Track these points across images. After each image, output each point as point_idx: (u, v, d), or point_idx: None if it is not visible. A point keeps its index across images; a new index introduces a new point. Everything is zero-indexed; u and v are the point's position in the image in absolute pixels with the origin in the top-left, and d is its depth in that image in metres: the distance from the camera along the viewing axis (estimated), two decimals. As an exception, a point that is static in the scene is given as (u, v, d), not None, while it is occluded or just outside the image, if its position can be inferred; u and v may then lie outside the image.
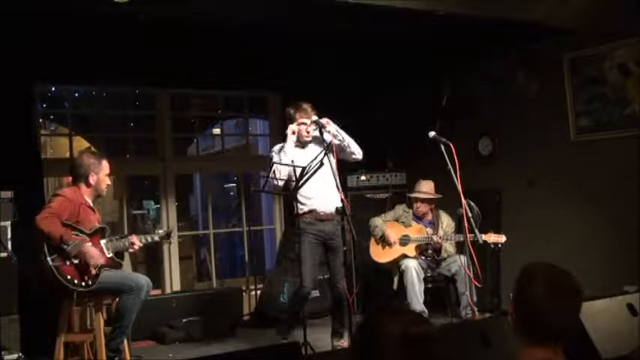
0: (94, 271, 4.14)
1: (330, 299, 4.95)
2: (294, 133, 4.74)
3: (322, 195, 4.66)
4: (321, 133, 4.60)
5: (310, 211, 4.64)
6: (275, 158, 4.69)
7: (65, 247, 4.04)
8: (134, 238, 4.48)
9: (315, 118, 4.67)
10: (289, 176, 4.64)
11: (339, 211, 4.49)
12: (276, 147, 4.85)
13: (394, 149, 6.85)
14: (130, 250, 4.54)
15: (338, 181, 4.57)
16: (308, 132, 4.75)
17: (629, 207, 5.16)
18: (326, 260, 4.83)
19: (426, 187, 5.69)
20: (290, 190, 4.64)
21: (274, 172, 4.56)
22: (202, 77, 6.20)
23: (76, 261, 4.10)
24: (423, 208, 5.70)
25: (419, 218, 5.74)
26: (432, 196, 5.66)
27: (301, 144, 4.79)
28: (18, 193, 4.71)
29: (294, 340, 4.44)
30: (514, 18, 5.22)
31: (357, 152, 4.82)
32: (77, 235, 4.19)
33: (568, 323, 1.92)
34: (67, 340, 4.31)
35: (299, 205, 4.62)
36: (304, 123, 4.73)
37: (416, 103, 6.71)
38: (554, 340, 1.89)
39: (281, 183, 4.65)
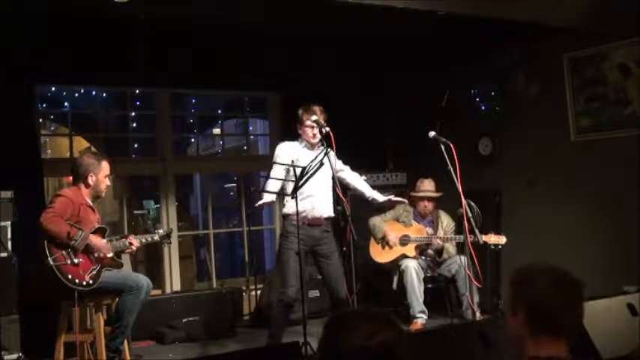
0: (104, 254, 4.20)
1: (330, 307, 4.79)
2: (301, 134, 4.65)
3: (316, 198, 4.56)
4: (321, 134, 4.56)
5: (300, 213, 4.36)
6: (277, 158, 4.63)
7: (73, 242, 4.06)
8: (132, 239, 4.48)
9: (314, 117, 4.58)
10: (285, 176, 4.54)
11: (339, 212, 4.47)
12: (282, 145, 4.75)
13: (394, 149, 6.85)
14: (128, 251, 4.54)
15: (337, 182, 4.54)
16: (314, 135, 4.58)
17: (629, 207, 5.17)
18: (318, 268, 4.72)
19: (430, 185, 5.73)
20: (285, 191, 4.53)
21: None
22: (202, 77, 6.19)
23: (77, 260, 4.09)
24: (430, 206, 5.71)
25: (421, 217, 5.74)
26: (437, 194, 5.70)
27: (311, 145, 4.66)
28: (18, 193, 4.70)
29: (294, 340, 4.42)
30: (514, 18, 5.22)
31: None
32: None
33: (575, 316, 1.93)
34: (67, 340, 4.31)
35: (287, 205, 4.52)
36: (312, 126, 4.57)
37: (416, 102, 6.70)
38: (561, 336, 1.90)
39: (276, 185, 4.53)
